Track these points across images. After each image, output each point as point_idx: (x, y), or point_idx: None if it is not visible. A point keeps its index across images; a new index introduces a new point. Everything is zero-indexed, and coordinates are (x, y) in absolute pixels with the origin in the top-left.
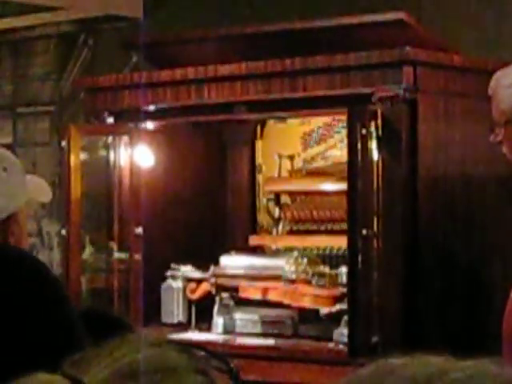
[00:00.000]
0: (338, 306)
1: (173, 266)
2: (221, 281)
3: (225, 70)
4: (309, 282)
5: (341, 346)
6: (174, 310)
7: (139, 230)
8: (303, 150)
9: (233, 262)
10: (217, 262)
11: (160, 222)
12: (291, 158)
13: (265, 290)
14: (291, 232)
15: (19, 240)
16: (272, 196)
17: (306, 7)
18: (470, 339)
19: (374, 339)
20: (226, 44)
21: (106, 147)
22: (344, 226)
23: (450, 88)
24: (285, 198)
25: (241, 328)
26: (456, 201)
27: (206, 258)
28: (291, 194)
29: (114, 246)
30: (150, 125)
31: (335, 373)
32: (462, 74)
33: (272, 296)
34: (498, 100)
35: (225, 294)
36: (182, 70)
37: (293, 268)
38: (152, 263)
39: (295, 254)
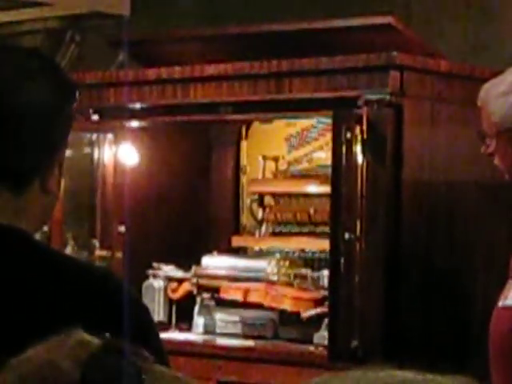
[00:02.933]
0: (319, 309)
1: (154, 264)
2: (202, 281)
3: (211, 70)
4: (290, 284)
5: (321, 350)
6: (154, 309)
7: (122, 228)
8: (288, 152)
9: (215, 263)
10: (199, 262)
11: (142, 221)
12: (275, 159)
13: (246, 292)
14: (274, 234)
15: None
16: (256, 197)
17: (294, 9)
18: (452, 343)
19: (355, 343)
20: (212, 44)
21: (91, 144)
22: (327, 228)
23: (437, 93)
24: (268, 200)
25: (221, 329)
26: (439, 206)
27: (187, 258)
28: (275, 195)
29: (96, 243)
30: (135, 123)
31: (315, 376)
32: (449, 80)
33: (253, 297)
34: (488, 111)
35: (206, 295)
36: (168, 69)
37: (274, 270)
38: (134, 262)
39: (277, 255)
